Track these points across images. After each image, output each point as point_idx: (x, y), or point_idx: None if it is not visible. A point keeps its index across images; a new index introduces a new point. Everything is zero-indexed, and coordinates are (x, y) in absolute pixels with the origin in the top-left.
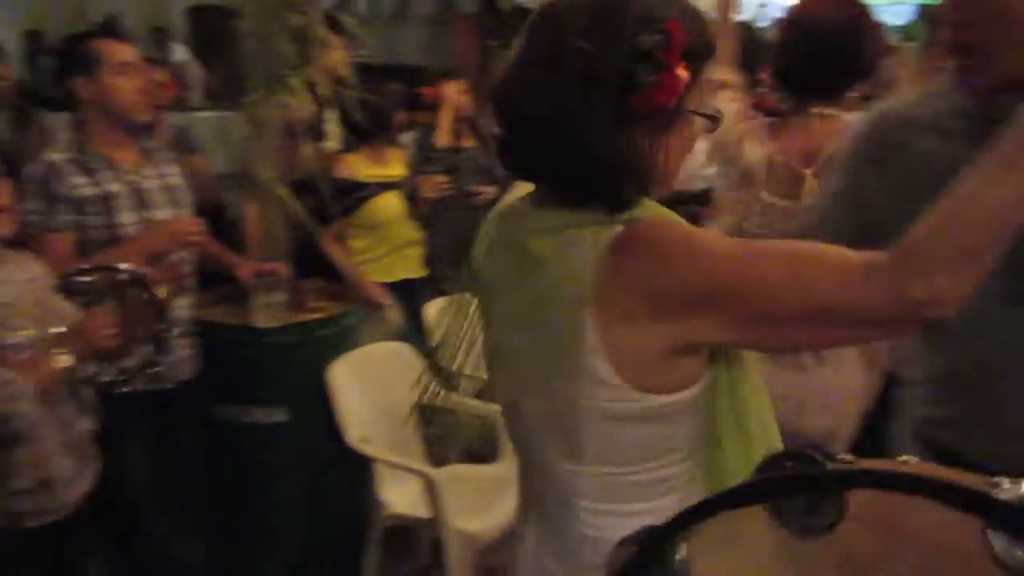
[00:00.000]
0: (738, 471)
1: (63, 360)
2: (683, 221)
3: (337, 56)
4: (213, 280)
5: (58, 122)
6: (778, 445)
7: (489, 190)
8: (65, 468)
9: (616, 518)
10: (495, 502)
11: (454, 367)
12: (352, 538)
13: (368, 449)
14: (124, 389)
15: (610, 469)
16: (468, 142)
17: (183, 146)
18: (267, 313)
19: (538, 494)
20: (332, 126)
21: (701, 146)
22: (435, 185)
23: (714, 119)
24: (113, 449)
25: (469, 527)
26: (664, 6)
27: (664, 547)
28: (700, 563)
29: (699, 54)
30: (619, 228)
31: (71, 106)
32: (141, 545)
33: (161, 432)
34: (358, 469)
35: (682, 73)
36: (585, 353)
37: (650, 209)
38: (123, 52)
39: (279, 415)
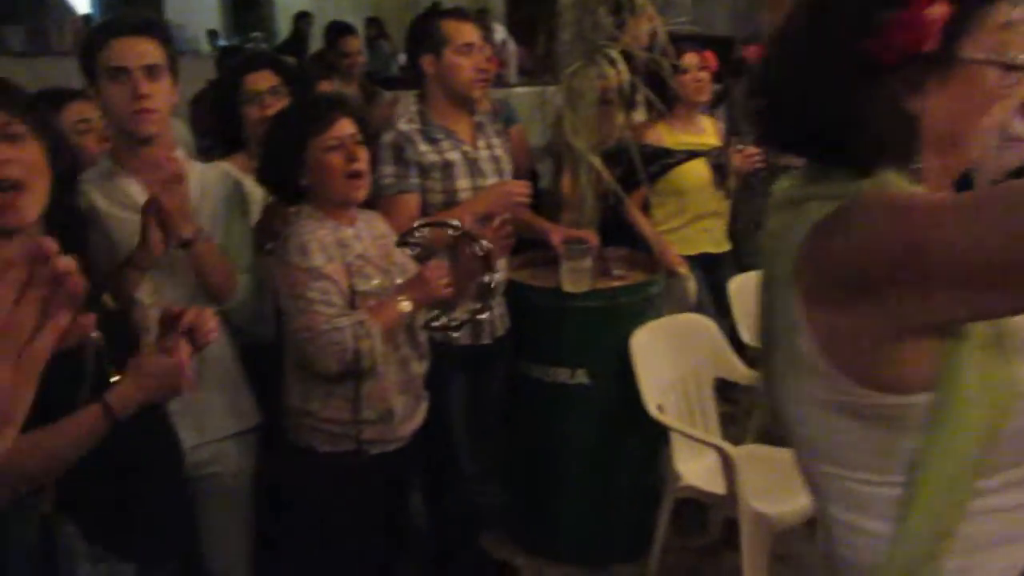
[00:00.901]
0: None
1: (405, 307)
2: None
3: (649, 25)
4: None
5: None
6: None
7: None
8: (401, 404)
9: (868, 539)
10: (795, 488)
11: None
12: (642, 505)
13: (664, 418)
14: (454, 335)
15: (841, 471)
16: None
17: (504, 119)
18: (574, 278)
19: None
20: (642, 95)
21: None
22: (747, 157)
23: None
24: (437, 393)
25: (766, 509)
26: None
27: None
28: None
29: None
30: (838, 202)
31: (410, 83)
32: (454, 482)
33: (476, 383)
34: (653, 438)
35: (936, 9)
36: (795, 335)
37: (886, 182)
38: (468, 33)
39: (581, 377)
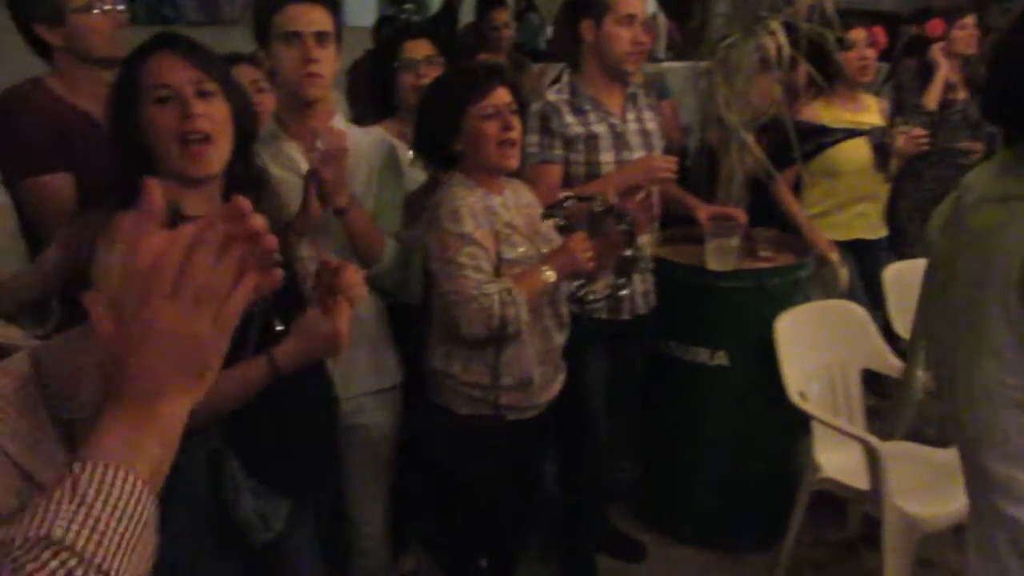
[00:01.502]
0: None
1: (549, 276)
2: None
3: None
4: (664, 220)
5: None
6: None
7: (977, 147)
8: (540, 373)
9: None
10: (944, 491)
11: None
12: (777, 494)
13: (806, 406)
14: (593, 307)
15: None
16: (960, 94)
17: (657, 93)
18: (719, 257)
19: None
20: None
21: None
22: (912, 139)
23: None
24: (576, 366)
25: (913, 510)
26: None
27: None
28: None
29: None
30: None
31: (558, 56)
32: (588, 454)
33: (615, 357)
34: (792, 426)
35: None
36: (1003, 335)
37: None
38: (632, 4)
39: (720, 359)
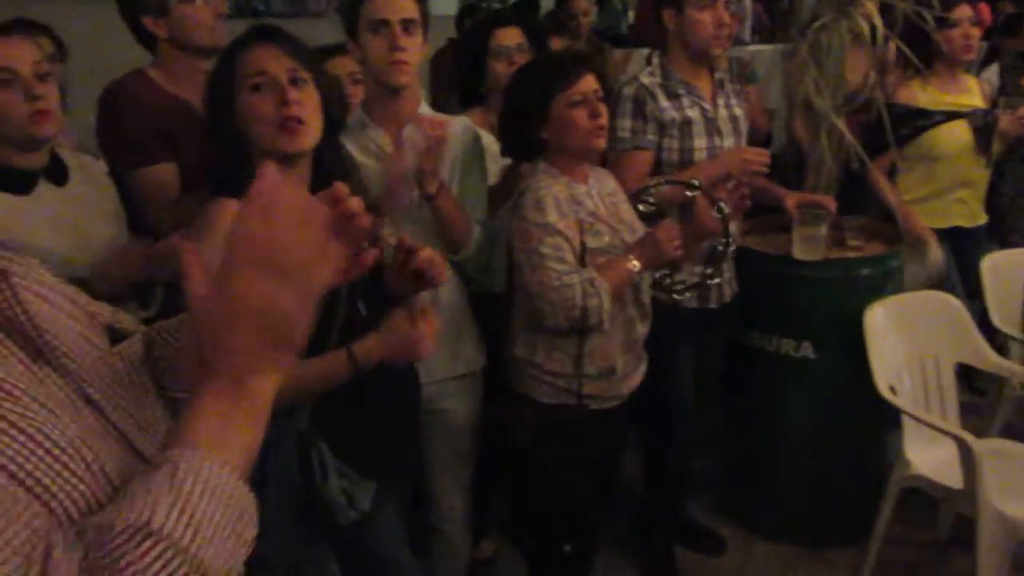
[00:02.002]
0: None
1: (634, 266)
2: None
3: None
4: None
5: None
6: None
7: None
8: (623, 363)
9: None
10: None
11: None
12: (864, 490)
13: (896, 401)
14: (681, 298)
15: None
16: None
17: (743, 77)
18: (807, 246)
19: None
20: (891, 47)
21: None
22: (1016, 120)
23: None
24: (659, 355)
25: (1011, 511)
26: None
27: None
28: None
29: None
30: None
31: (640, 41)
32: (672, 445)
33: (701, 348)
34: (881, 420)
35: None
36: None
37: None
38: None
39: (806, 350)
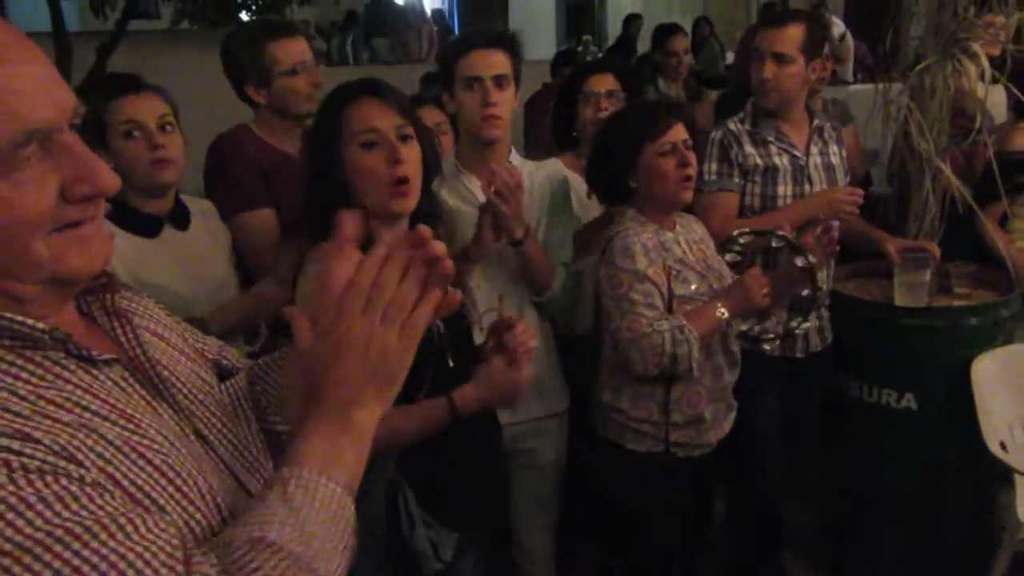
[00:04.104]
0: None
1: (722, 314)
2: None
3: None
4: (846, 254)
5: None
6: None
7: None
8: (711, 411)
9: None
10: None
11: None
12: (972, 551)
13: (1008, 458)
14: (765, 348)
15: None
16: None
17: (840, 118)
18: (910, 293)
19: None
20: (1000, 94)
21: None
22: None
23: None
24: (747, 404)
25: None
26: None
27: None
28: None
29: None
30: None
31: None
32: (759, 494)
33: (788, 397)
34: (991, 479)
35: None
36: None
37: None
38: (779, 42)
39: (909, 401)
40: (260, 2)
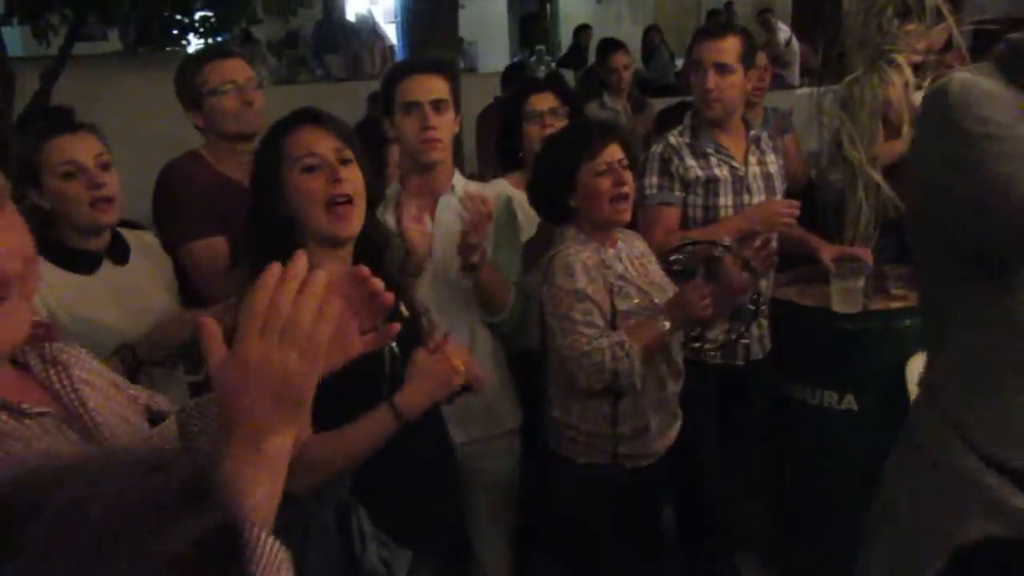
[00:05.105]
0: None
1: (664, 327)
2: None
3: (948, 28)
4: (786, 260)
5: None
6: None
7: None
8: (656, 421)
9: None
10: None
11: None
12: None
13: None
14: (708, 358)
15: None
16: None
17: (779, 127)
18: (845, 299)
19: None
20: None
21: None
22: None
23: None
24: (692, 413)
25: None
26: None
27: None
28: None
29: None
30: None
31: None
32: (705, 501)
33: (730, 404)
34: None
35: None
36: None
37: None
38: (721, 53)
39: (849, 402)
40: (208, 24)
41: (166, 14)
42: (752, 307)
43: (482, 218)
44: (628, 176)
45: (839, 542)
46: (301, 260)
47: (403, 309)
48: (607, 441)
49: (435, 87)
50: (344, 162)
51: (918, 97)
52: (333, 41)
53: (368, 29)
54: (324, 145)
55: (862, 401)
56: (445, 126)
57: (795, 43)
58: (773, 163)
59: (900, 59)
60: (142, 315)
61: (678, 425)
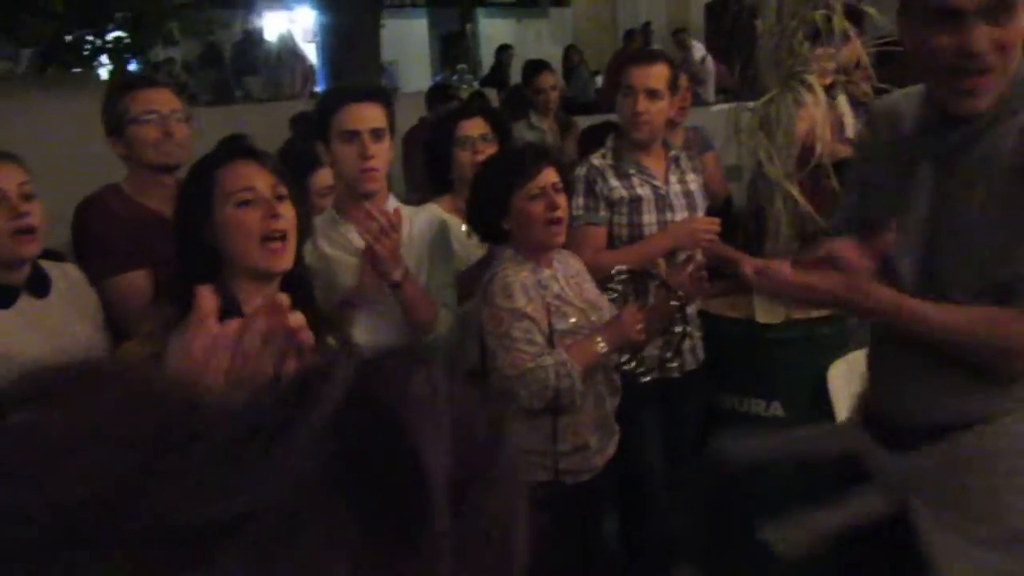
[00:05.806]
0: None
1: (601, 347)
2: None
3: (855, 48)
4: (714, 271)
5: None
6: None
7: None
8: (596, 438)
9: None
10: None
11: None
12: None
13: None
14: (642, 379)
15: None
16: None
17: (699, 146)
18: (767, 310)
19: None
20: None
21: None
22: None
23: None
24: (629, 427)
25: None
26: None
27: None
28: None
29: None
30: None
31: (608, 107)
32: (648, 512)
33: (669, 415)
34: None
35: None
36: None
37: None
38: (651, 79)
39: (776, 409)
40: (121, 44)
41: (76, 35)
42: (679, 329)
43: (386, 230)
44: (562, 200)
45: (767, 552)
46: (206, 298)
47: (331, 340)
48: (547, 458)
49: (373, 115)
50: (280, 198)
51: (845, 107)
52: (252, 62)
53: (288, 50)
54: (261, 181)
55: (787, 408)
56: (382, 155)
57: (709, 61)
58: (693, 181)
59: (812, 79)
60: (64, 350)
61: (616, 439)
